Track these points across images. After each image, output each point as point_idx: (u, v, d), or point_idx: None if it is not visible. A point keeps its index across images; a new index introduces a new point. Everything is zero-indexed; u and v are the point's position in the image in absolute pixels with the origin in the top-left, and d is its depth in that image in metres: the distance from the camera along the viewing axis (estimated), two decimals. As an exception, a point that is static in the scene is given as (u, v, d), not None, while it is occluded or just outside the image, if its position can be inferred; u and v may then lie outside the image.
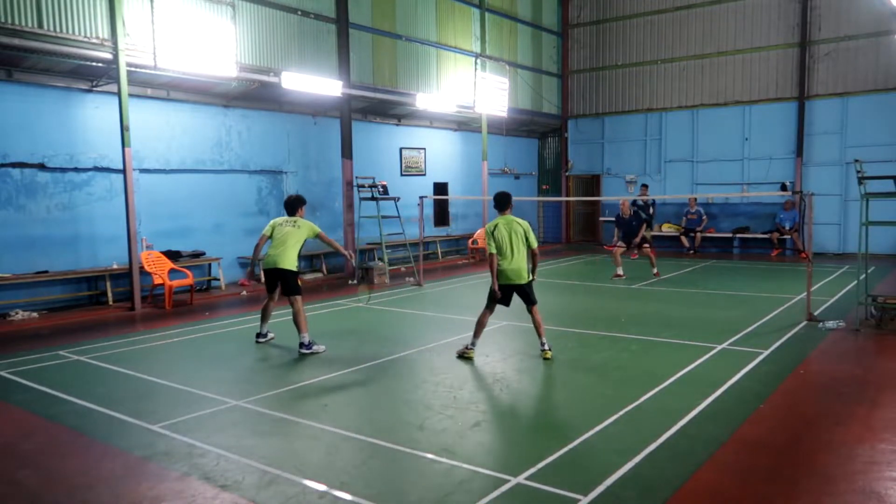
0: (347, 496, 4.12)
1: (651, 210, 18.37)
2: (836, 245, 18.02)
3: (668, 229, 19.86)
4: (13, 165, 10.53)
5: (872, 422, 5.39)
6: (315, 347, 7.75)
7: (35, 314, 10.49)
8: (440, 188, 19.04)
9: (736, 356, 7.37)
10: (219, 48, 11.67)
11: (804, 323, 9.02)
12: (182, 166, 12.68)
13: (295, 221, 8.20)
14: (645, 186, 19.18)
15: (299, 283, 8.12)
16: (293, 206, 8.35)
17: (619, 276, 13.71)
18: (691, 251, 18.76)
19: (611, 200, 21.78)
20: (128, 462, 4.75)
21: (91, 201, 11.45)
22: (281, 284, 8.07)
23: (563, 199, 22.02)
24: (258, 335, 8.41)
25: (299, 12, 13.77)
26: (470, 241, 18.37)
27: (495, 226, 7.71)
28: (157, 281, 11.35)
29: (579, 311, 10.63)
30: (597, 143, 22.33)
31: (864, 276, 9.07)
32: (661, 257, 16.13)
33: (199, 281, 12.80)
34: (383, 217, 14.79)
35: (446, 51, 17.70)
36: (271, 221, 8.32)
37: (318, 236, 8.24)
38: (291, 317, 7.90)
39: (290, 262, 8.02)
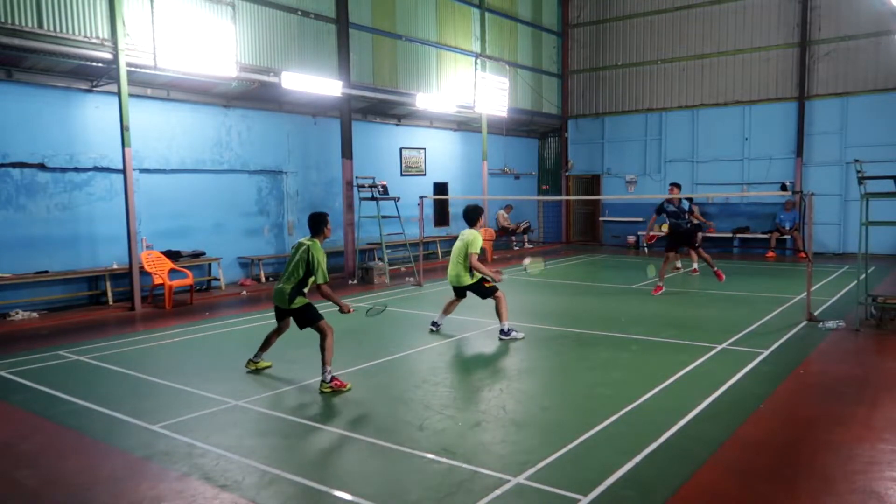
0: (347, 496, 4.12)
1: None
2: (836, 245, 18.02)
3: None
4: (13, 165, 10.53)
5: (872, 422, 5.39)
6: (514, 334, 8.34)
7: (35, 314, 10.49)
8: (440, 188, 19.03)
9: (736, 356, 7.37)
10: (219, 48, 11.67)
11: (804, 323, 9.02)
12: (182, 166, 12.68)
13: (461, 235, 8.64)
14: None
15: (486, 286, 8.51)
16: (467, 217, 8.70)
17: (677, 268, 14.52)
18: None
19: (610, 199, 21.81)
20: (128, 462, 4.75)
21: (91, 201, 11.45)
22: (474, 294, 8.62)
23: (563, 198, 22.03)
24: (433, 323, 8.87)
25: (299, 12, 13.77)
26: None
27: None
28: (157, 281, 11.35)
29: (579, 311, 10.63)
30: (597, 143, 22.33)
31: (864, 276, 9.07)
32: (660, 257, 16.10)
33: (199, 281, 12.80)
34: (383, 217, 14.79)
35: (446, 51, 17.69)
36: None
37: (467, 255, 8.48)
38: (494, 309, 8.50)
39: (465, 278, 8.49)
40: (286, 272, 6.62)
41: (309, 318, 6.55)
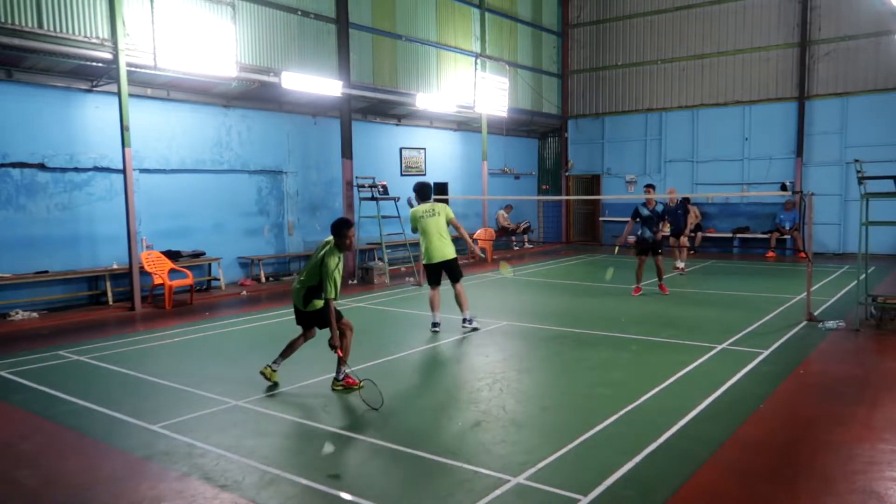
0: (347, 496, 4.12)
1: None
2: (836, 245, 18.02)
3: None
4: (13, 165, 10.53)
5: (872, 422, 5.39)
6: (475, 323, 8.71)
7: (35, 314, 10.48)
8: (440, 188, 19.02)
9: (736, 356, 7.37)
10: (219, 48, 11.67)
11: (804, 323, 9.02)
12: (182, 166, 12.68)
13: (431, 209, 8.80)
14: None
15: (458, 265, 8.88)
16: (425, 192, 8.92)
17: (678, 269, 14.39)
18: (691, 251, 18.73)
19: (610, 200, 21.81)
20: (128, 462, 4.75)
21: (91, 201, 11.45)
22: (448, 273, 8.79)
23: (563, 198, 22.03)
24: (434, 324, 8.89)
25: (299, 12, 13.77)
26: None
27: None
28: (157, 281, 11.35)
29: (579, 311, 10.63)
30: (597, 143, 22.33)
31: (864, 276, 9.07)
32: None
33: (199, 281, 12.80)
34: (383, 217, 14.78)
35: (446, 51, 17.69)
36: (414, 212, 8.84)
37: (450, 222, 8.83)
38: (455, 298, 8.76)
39: (452, 251, 8.79)
40: (304, 271, 6.31)
41: (322, 320, 6.30)
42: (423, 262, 9.01)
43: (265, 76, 12.78)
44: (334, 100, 14.29)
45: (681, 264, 14.50)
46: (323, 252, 6.09)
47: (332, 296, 5.98)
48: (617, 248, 13.84)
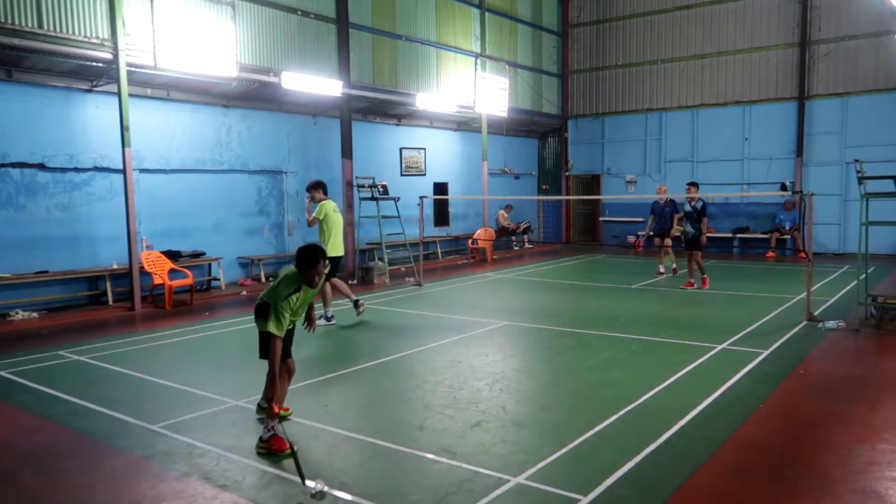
0: (347, 496, 4.12)
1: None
2: (836, 245, 18.03)
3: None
4: (13, 165, 10.53)
5: (872, 422, 5.39)
6: (333, 321, 9.17)
7: (35, 314, 10.48)
8: (440, 188, 19.03)
9: (736, 356, 7.37)
10: (219, 48, 11.67)
11: (804, 323, 9.02)
12: (182, 166, 12.68)
13: (335, 208, 9.30)
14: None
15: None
16: (326, 189, 9.42)
17: (661, 273, 14.10)
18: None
19: (610, 199, 21.81)
20: (128, 462, 4.75)
21: (91, 201, 11.45)
22: (332, 269, 9.05)
23: (563, 198, 22.03)
24: (329, 318, 9.34)
25: (299, 12, 13.77)
26: (470, 241, 18.39)
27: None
28: (157, 281, 11.35)
29: (579, 311, 10.63)
30: (597, 143, 22.33)
31: (864, 276, 9.07)
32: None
33: (199, 281, 12.80)
34: (383, 217, 14.79)
35: (446, 51, 17.70)
36: (327, 205, 9.14)
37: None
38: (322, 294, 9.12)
39: None
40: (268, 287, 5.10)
41: (264, 348, 5.02)
42: (330, 254, 9.16)
43: (265, 76, 12.78)
44: (334, 100, 14.29)
45: (661, 267, 14.26)
46: (284, 275, 4.89)
47: (274, 330, 4.65)
48: (682, 236, 13.59)
